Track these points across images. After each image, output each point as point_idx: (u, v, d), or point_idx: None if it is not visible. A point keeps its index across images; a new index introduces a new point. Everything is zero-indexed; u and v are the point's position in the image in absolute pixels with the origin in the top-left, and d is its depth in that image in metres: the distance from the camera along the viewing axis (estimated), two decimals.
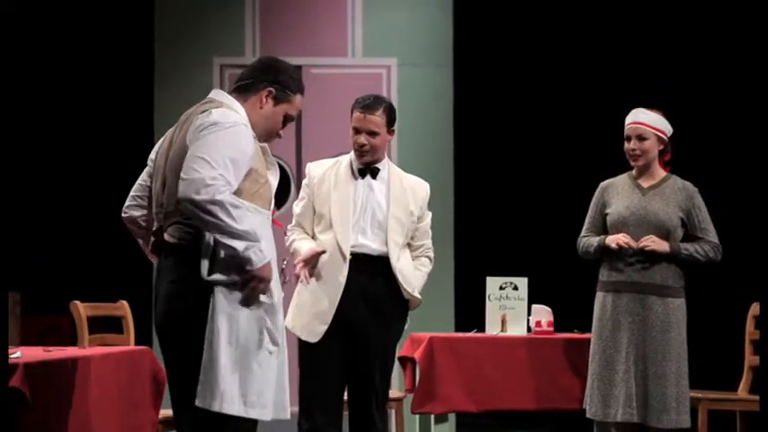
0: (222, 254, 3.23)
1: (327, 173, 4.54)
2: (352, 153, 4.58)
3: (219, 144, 3.20)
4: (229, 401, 3.23)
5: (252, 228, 3.22)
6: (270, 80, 3.44)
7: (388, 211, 4.51)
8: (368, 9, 7.36)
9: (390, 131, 4.56)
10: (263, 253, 3.24)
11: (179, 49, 7.08)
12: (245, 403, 3.26)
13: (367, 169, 4.54)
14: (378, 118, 4.50)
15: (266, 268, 3.27)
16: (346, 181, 4.52)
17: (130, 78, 7.46)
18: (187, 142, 3.26)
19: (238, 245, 3.19)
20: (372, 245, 4.48)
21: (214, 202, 3.13)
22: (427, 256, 4.68)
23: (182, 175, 3.18)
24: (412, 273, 4.57)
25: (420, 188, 4.66)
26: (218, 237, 3.17)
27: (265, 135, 3.46)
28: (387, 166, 4.60)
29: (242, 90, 3.43)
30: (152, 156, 3.49)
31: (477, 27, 7.85)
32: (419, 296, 4.59)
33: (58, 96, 7.48)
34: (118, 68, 7.54)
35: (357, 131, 4.52)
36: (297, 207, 4.61)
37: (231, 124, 3.25)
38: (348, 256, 4.43)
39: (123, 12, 7.51)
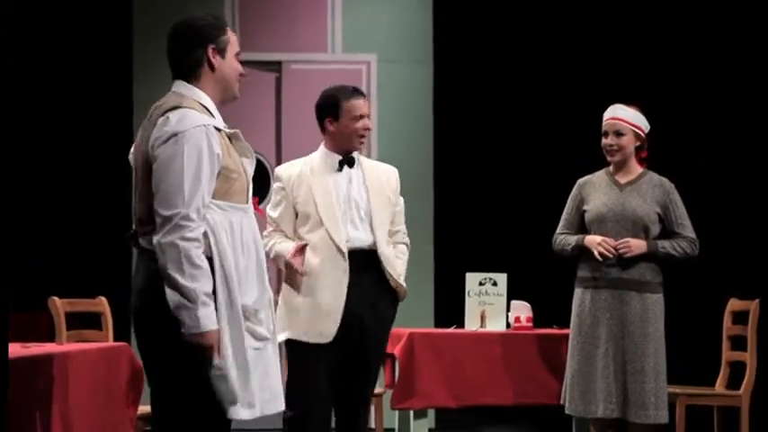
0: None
1: (303, 172, 4.48)
2: (325, 149, 4.52)
3: (183, 163, 3.13)
4: (234, 406, 3.22)
5: (199, 288, 3.10)
6: (204, 43, 3.31)
7: (370, 199, 4.49)
8: (347, 5, 7.36)
9: None
10: (198, 320, 3.09)
11: (158, 45, 7.02)
12: (245, 405, 3.24)
13: (344, 160, 4.50)
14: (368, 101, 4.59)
15: (203, 337, 3.11)
16: (325, 176, 4.46)
17: (109, 73, 7.43)
18: (149, 151, 3.20)
19: (170, 297, 3.10)
20: (362, 236, 4.44)
21: (173, 245, 3.09)
22: (404, 243, 4.65)
23: (155, 206, 3.14)
24: (395, 261, 4.54)
25: (391, 174, 4.64)
26: (162, 277, 3.11)
27: (231, 89, 3.36)
28: (357, 156, 4.58)
29: (186, 72, 3.32)
30: (132, 150, 3.43)
31: (457, 23, 7.86)
32: (404, 284, 4.55)
33: (34, 92, 7.44)
34: (96, 63, 7.51)
35: (363, 117, 4.49)
36: (273, 212, 4.50)
37: (190, 132, 3.16)
38: (345, 252, 4.37)
39: (102, 6, 7.48)
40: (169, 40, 3.38)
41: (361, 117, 4.48)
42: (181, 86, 3.33)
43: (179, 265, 3.10)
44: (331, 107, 4.47)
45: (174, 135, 3.16)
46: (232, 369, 3.20)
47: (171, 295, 3.11)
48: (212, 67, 3.32)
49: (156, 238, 3.13)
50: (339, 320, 4.33)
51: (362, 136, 4.50)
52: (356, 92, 4.52)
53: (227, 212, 3.24)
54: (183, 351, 3.16)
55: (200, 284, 3.11)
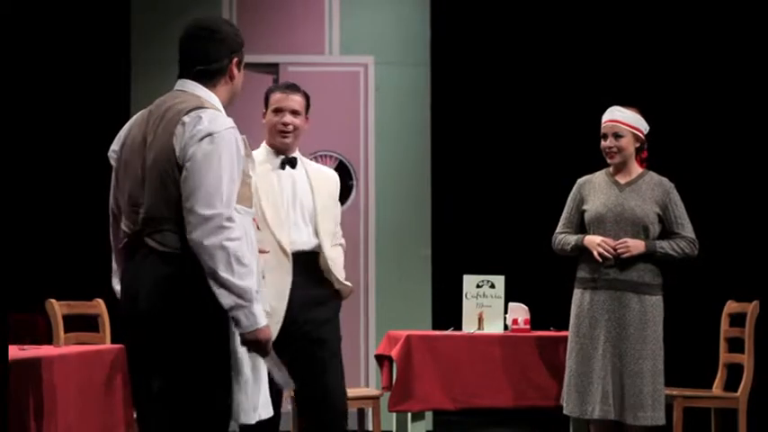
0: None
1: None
2: (265, 145, 4.35)
3: (221, 164, 3.12)
4: (245, 412, 3.22)
5: (251, 287, 3.11)
6: (230, 53, 3.31)
7: (315, 200, 4.33)
8: (345, 7, 7.36)
9: (307, 118, 4.41)
10: (255, 317, 3.11)
11: (156, 46, 7.06)
12: (252, 409, 3.24)
13: (286, 160, 4.33)
14: (299, 98, 4.36)
15: (261, 332, 3.14)
16: (269, 174, 4.28)
17: (107, 76, 7.43)
18: (175, 150, 3.15)
19: (225, 300, 3.10)
20: (305, 239, 4.28)
21: (222, 248, 3.08)
22: (341, 244, 4.47)
23: (190, 205, 3.11)
24: (340, 263, 4.37)
25: (332, 175, 4.48)
26: (211, 282, 3.10)
27: (234, 98, 3.38)
28: (298, 156, 4.40)
29: (204, 75, 3.29)
30: (114, 147, 3.37)
31: (455, 25, 7.86)
32: (349, 284, 4.39)
33: (32, 93, 7.43)
34: (94, 65, 7.51)
35: (279, 111, 4.29)
36: None
37: (225, 133, 3.15)
38: (290, 253, 4.21)
39: (99, 9, 7.48)
40: (190, 39, 3.32)
41: (279, 111, 4.29)
42: (195, 87, 3.30)
43: (229, 267, 3.09)
44: (264, 99, 4.38)
45: (210, 135, 3.15)
46: (246, 372, 3.20)
47: (224, 297, 3.10)
48: (232, 78, 3.33)
49: (196, 239, 3.09)
50: (281, 320, 4.16)
51: (282, 132, 4.30)
52: (287, 87, 4.34)
53: (242, 216, 3.24)
54: (199, 354, 3.15)
55: (251, 282, 3.13)
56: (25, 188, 7.34)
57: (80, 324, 5.18)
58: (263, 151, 4.35)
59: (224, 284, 3.09)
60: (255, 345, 3.16)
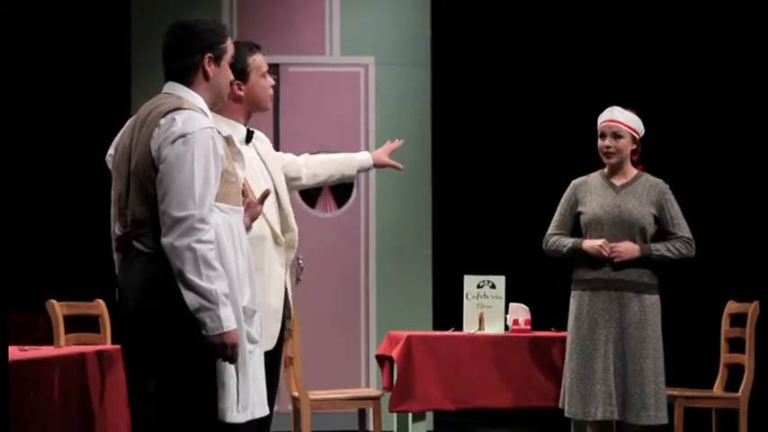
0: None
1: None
2: (227, 119, 3.76)
3: (194, 165, 3.12)
4: (231, 410, 3.21)
5: (218, 290, 3.09)
6: (201, 49, 3.29)
7: (274, 178, 3.87)
8: (345, 7, 7.36)
9: None
10: (221, 320, 3.09)
11: (155, 48, 7.03)
12: (241, 408, 3.23)
13: (250, 132, 3.85)
14: None
15: (227, 336, 3.10)
16: (240, 150, 3.65)
17: (107, 77, 7.43)
18: (152, 151, 3.17)
19: (190, 301, 3.09)
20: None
21: (191, 249, 3.08)
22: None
23: (164, 208, 3.12)
24: None
25: (264, 136, 3.95)
26: (179, 283, 3.10)
27: (223, 98, 3.35)
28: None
29: (181, 76, 3.29)
30: (111, 152, 3.39)
31: (455, 26, 7.87)
32: None
33: (32, 94, 7.43)
34: (94, 67, 7.51)
35: (268, 74, 3.83)
36: None
37: (198, 134, 3.15)
38: (282, 239, 3.81)
39: (99, 10, 7.48)
40: (166, 38, 3.35)
41: (268, 74, 3.86)
42: (177, 88, 3.31)
43: (197, 268, 3.09)
44: (231, 63, 3.47)
45: (183, 136, 3.15)
46: (233, 371, 3.20)
47: (190, 298, 3.10)
48: (206, 76, 3.30)
49: (167, 241, 3.11)
50: (281, 319, 3.79)
51: (271, 97, 3.88)
52: (256, 46, 3.86)
53: (227, 215, 3.25)
54: (185, 352, 3.16)
55: (219, 285, 3.11)
56: (26, 189, 7.34)
57: (80, 324, 5.18)
58: (224, 126, 3.67)
59: (190, 286, 3.09)
60: (221, 348, 3.13)
